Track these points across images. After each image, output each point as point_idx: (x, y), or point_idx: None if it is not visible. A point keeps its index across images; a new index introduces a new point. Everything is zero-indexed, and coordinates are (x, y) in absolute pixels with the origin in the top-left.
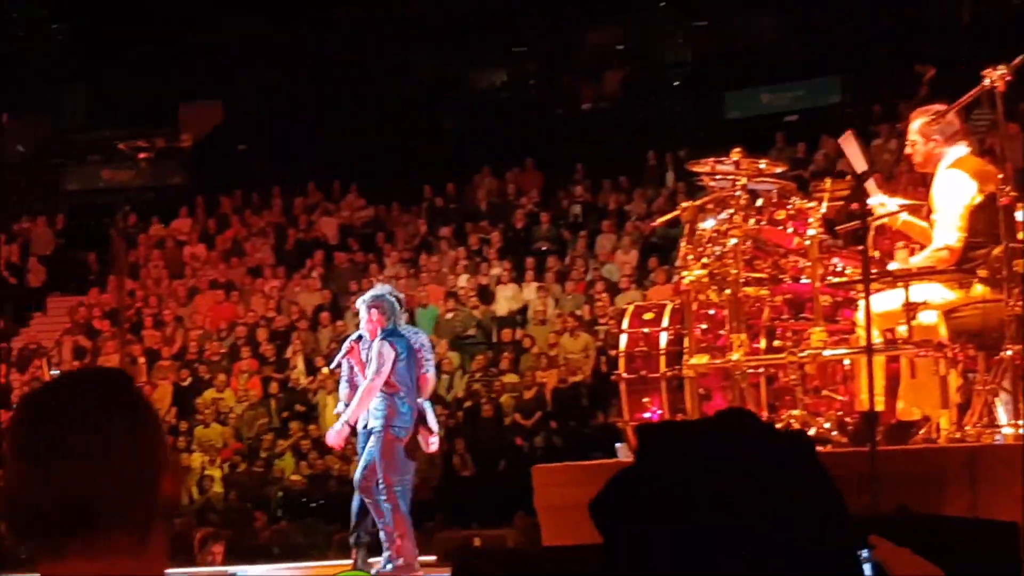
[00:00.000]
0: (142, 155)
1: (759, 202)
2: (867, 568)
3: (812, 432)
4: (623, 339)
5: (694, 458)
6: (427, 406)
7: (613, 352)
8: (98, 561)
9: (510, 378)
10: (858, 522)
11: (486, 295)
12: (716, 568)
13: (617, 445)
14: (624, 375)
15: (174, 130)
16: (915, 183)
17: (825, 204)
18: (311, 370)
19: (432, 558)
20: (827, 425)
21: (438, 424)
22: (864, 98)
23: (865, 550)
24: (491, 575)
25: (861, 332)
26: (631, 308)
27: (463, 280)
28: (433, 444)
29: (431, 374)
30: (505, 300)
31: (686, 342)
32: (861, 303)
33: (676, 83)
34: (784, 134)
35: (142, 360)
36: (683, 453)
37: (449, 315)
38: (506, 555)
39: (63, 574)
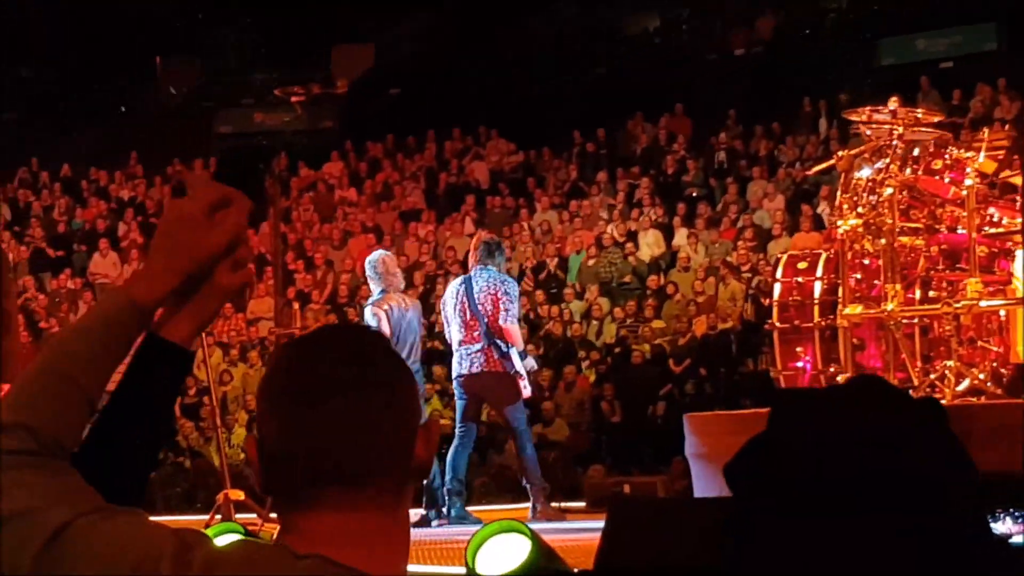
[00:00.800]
0: (296, 99)
1: (916, 151)
2: None
3: (966, 383)
4: (777, 288)
5: (825, 426)
6: (513, 353)
7: (766, 301)
8: (349, 515)
9: (656, 324)
10: (1015, 477)
11: (637, 241)
12: (845, 537)
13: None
14: (777, 324)
15: (327, 74)
16: None
17: (983, 154)
18: None
19: (582, 504)
20: (982, 376)
21: (588, 368)
22: (1022, 44)
23: None
24: (645, 524)
25: (1017, 283)
26: (785, 257)
27: (612, 226)
28: (525, 390)
29: (507, 323)
30: (648, 246)
31: (840, 292)
32: (1018, 253)
33: (829, 29)
34: (935, 80)
35: (296, 305)
36: (815, 421)
37: (591, 261)
38: (660, 504)
39: (312, 527)
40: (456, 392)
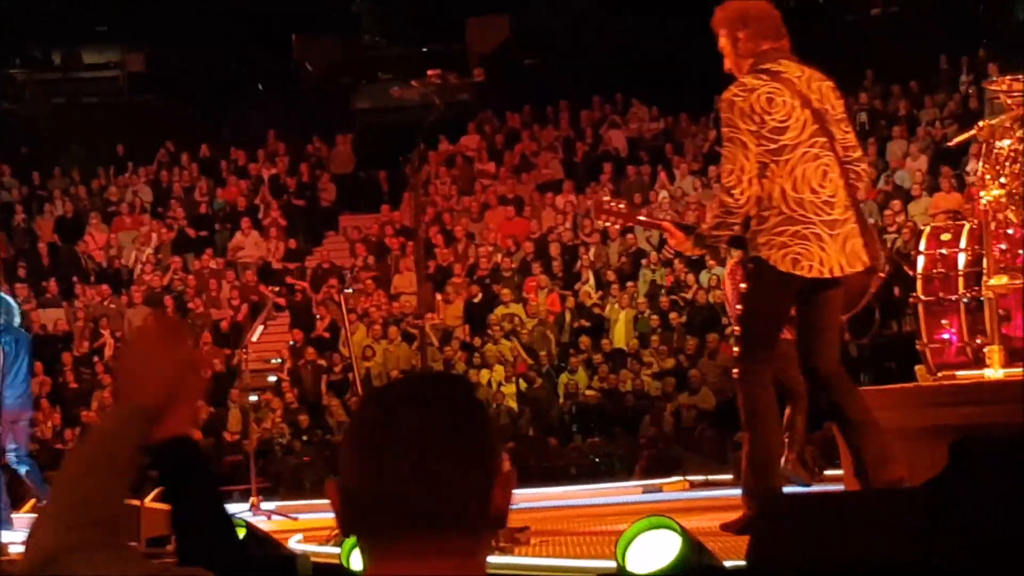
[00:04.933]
0: (434, 79)
1: None
2: None
3: None
4: (920, 261)
5: (1008, 473)
6: None
7: (909, 270)
8: (427, 563)
9: None
10: None
11: None
12: None
13: (917, 368)
14: (922, 297)
15: (463, 48)
16: None
17: None
18: (600, 284)
19: (730, 476)
20: None
21: (731, 335)
22: None
23: None
24: (796, 518)
25: None
26: (927, 229)
27: None
28: None
29: None
30: None
31: (985, 263)
32: None
33: None
34: None
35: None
36: (996, 468)
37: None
38: (810, 499)
39: (392, 574)
40: None
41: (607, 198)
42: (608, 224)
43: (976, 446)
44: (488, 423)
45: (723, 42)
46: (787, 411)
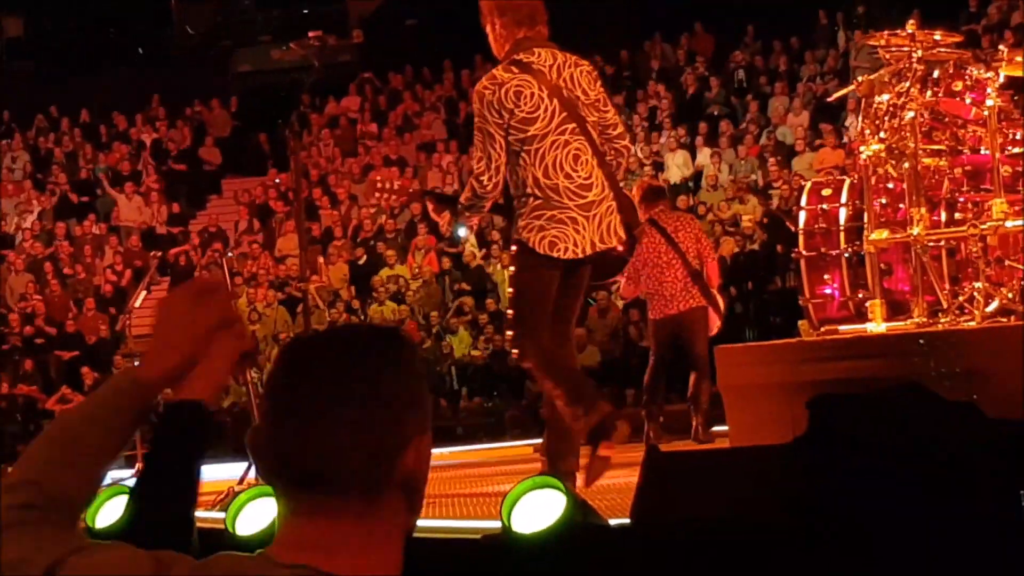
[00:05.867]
0: (312, 41)
1: (935, 73)
2: None
3: (995, 304)
4: (802, 216)
5: (865, 429)
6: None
7: (791, 226)
8: (329, 524)
9: None
10: None
11: (659, 162)
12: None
13: (800, 323)
14: (804, 252)
15: (342, 8)
16: None
17: (1003, 74)
18: (483, 244)
19: None
20: (1011, 296)
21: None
22: None
23: None
24: (679, 476)
25: None
26: (808, 185)
27: (636, 149)
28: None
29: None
30: (677, 167)
31: (865, 217)
32: None
33: None
34: None
35: (318, 248)
36: (856, 424)
37: (622, 183)
38: (693, 456)
39: (293, 535)
40: None
41: (378, 179)
42: (384, 202)
43: (830, 403)
44: (412, 383)
45: (487, 30)
46: (691, 379)
